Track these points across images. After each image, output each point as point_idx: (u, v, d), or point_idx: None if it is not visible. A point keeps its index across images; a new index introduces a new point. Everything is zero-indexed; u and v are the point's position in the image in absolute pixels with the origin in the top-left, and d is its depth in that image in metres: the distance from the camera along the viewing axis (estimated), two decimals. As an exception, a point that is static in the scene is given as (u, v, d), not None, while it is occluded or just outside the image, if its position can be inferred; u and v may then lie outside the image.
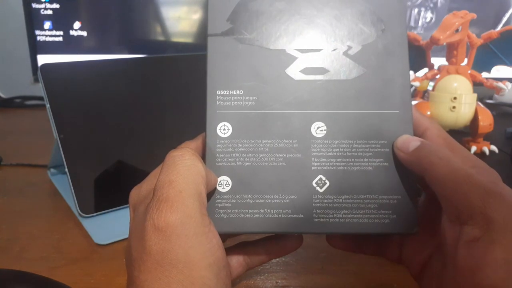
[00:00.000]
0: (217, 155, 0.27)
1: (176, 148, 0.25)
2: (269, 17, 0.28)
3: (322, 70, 0.28)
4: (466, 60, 0.59)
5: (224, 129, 0.27)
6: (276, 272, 0.35)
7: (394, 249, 0.29)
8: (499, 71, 0.64)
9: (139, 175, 0.28)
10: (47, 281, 0.28)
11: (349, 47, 0.28)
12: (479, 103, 0.59)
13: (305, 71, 0.28)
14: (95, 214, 0.42)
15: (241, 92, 0.27)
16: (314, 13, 0.28)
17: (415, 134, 0.27)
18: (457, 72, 0.58)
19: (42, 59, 0.80)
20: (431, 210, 0.27)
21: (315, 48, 0.28)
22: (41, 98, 0.87)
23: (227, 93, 0.27)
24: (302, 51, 0.28)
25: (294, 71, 0.28)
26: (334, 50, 0.28)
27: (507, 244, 0.20)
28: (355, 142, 0.27)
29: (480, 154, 0.59)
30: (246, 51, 0.28)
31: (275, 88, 0.27)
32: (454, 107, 0.57)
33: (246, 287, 0.33)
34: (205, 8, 0.28)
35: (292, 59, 0.28)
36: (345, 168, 0.26)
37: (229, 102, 0.27)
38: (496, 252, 0.20)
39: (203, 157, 0.27)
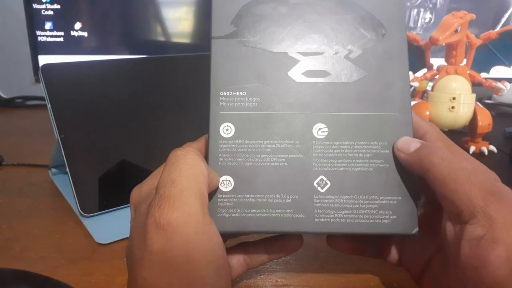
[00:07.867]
0: (220, 155, 0.27)
1: (179, 148, 0.25)
2: (272, 21, 0.28)
3: (323, 73, 0.28)
4: (465, 60, 0.60)
5: (227, 130, 0.27)
6: (276, 271, 0.35)
7: (394, 252, 0.29)
8: (498, 71, 0.64)
9: (140, 175, 0.28)
10: (48, 281, 0.28)
11: (350, 51, 0.28)
12: (478, 103, 0.60)
13: (307, 73, 0.28)
14: (96, 213, 0.42)
15: (244, 93, 0.27)
16: (316, 17, 0.28)
17: (415, 137, 0.27)
18: (456, 73, 0.58)
19: (43, 59, 0.80)
20: (430, 213, 0.27)
21: (317, 51, 0.28)
22: (42, 98, 0.87)
23: (230, 94, 0.27)
24: (304, 54, 0.28)
25: (296, 74, 0.28)
26: (336, 53, 0.28)
27: (509, 242, 0.20)
28: (355, 143, 0.27)
29: (479, 154, 0.59)
30: (249, 53, 0.28)
31: (277, 90, 0.28)
32: (453, 107, 0.57)
33: (246, 286, 0.33)
34: (204, 8, 0.29)
35: (294, 61, 0.28)
36: (346, 169, 0.27)
37: (232, 103, 0.27)
38: (499, 250, 0.20)
39: (206, 157, 0.27)
